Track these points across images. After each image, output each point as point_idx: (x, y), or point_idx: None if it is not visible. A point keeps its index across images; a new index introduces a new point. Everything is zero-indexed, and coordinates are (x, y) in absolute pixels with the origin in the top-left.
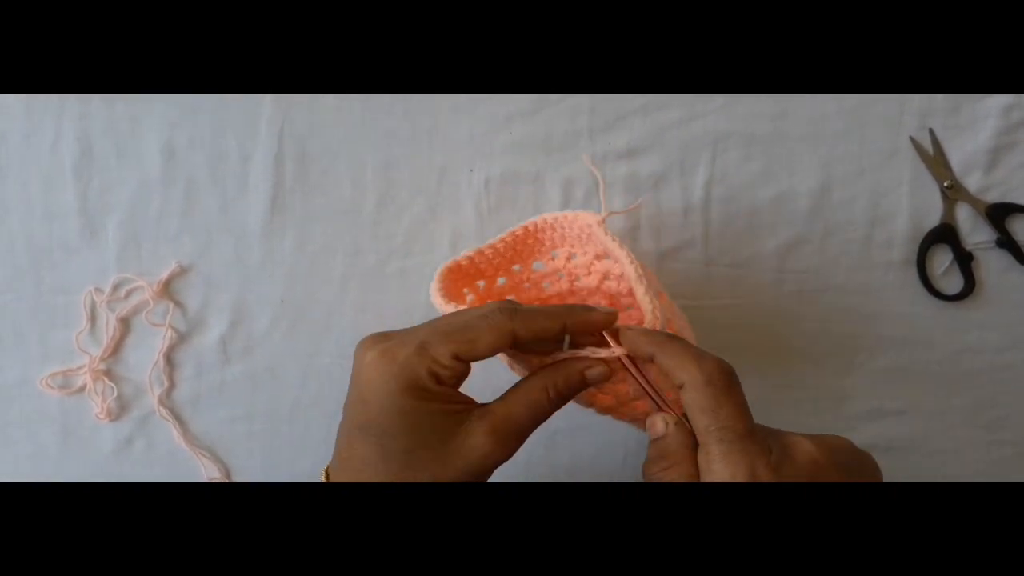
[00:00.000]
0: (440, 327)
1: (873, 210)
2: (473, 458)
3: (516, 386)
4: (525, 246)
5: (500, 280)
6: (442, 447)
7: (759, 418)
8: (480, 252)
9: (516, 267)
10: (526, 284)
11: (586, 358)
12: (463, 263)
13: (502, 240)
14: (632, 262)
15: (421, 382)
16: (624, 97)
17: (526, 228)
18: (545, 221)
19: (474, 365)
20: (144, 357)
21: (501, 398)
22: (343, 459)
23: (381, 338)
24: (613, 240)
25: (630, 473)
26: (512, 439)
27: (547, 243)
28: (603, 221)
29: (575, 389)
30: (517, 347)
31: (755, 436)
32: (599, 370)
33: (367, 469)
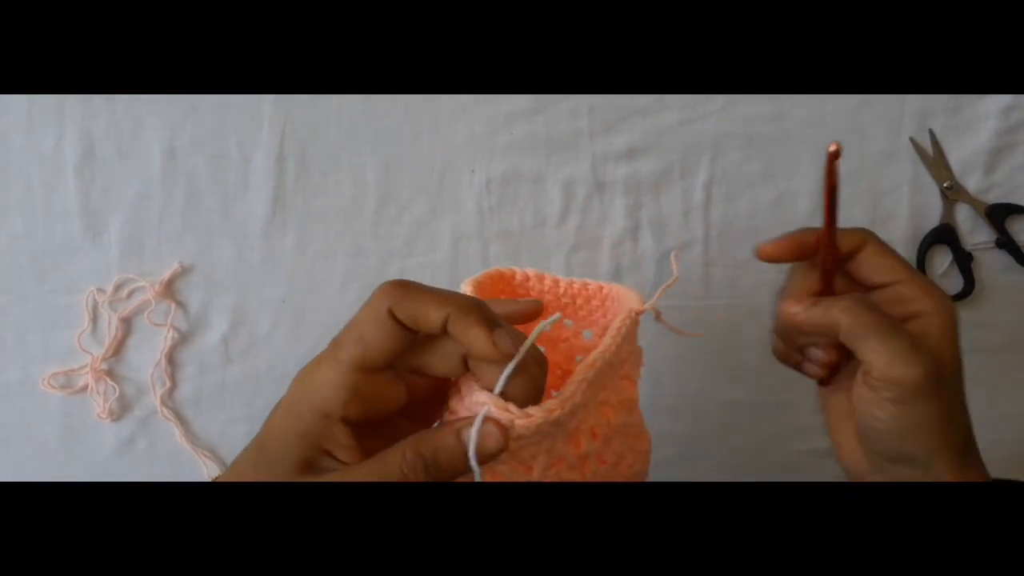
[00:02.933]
0: (338, 339)
1: (873, 210)
2: None
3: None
4: (589, 306)
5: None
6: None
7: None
8: (543, 279)
9: (568, 322)
10: (562, 344)
11: (461, 419)
12: (519, 278)
13: (571, 283)
14: (605, 353)
15: (307, 418)
16: (624, 98)
17: (601, 288)
18: (615, 293)
19: None
20: (146, 357)
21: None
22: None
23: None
24: (618, 330)
25: None
26: None
27: (609, 316)
28: (638, 313)
29: (449, 461)
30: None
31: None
32: (488, 434)
33: (241, 467)
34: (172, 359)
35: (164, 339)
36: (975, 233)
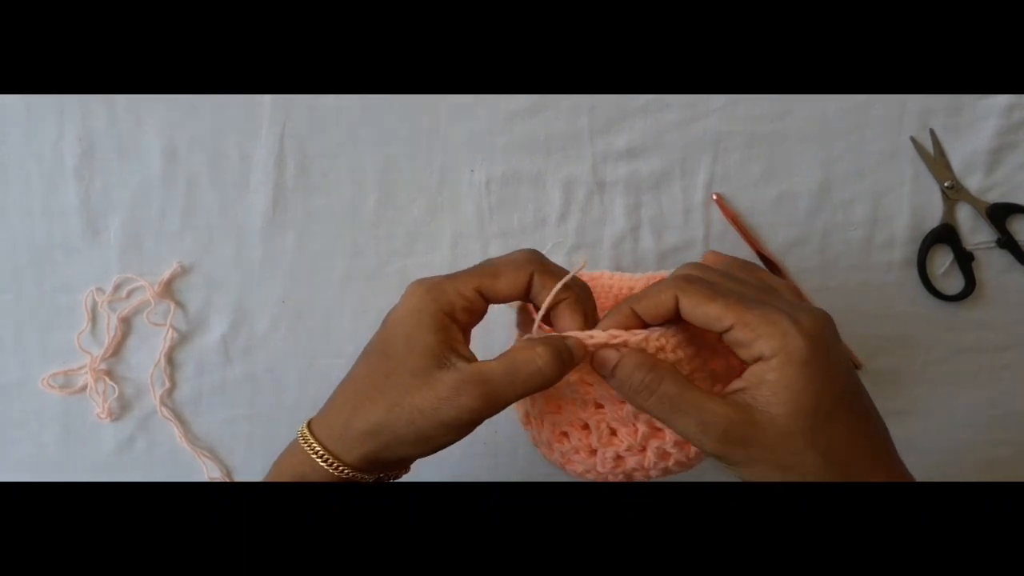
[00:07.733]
0: (471, 268)
1: (874, 210)
2: (431, 400)
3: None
4: None
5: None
6: (416, 381)
7: None
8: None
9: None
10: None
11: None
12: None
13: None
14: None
15: (436, 317)
16: (625, 97)
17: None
18: None
19: None
20: (145, 357)
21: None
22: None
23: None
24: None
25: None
26: (477, 394)
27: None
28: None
29: (566, 354)
30: (535, 294)
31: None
32: (572, 342)
33: (349, 385)
34: (171, 359)
35: (163, 339)
36: (976, 233)
